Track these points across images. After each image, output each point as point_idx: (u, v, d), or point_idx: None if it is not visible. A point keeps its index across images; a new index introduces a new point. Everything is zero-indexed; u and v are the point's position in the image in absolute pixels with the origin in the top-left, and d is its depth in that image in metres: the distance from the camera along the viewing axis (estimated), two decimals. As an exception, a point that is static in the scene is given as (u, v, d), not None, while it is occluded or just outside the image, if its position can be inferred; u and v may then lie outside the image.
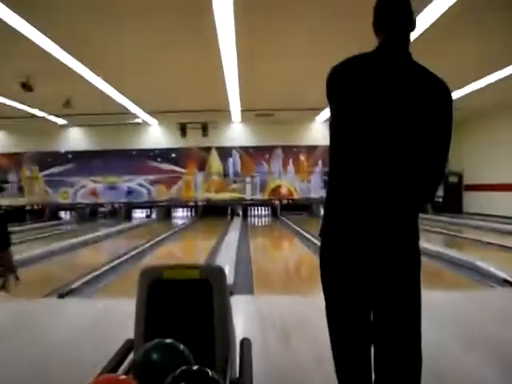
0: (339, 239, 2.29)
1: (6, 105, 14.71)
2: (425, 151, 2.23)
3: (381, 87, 2.22)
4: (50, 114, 16.76)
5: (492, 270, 6.94)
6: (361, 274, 2.28)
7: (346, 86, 2.27)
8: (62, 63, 10.37)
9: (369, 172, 2.22)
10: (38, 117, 16.77)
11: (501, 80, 12.43)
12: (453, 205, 19.48)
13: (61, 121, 18.13)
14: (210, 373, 1.99)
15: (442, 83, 2.26)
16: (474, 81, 12.97)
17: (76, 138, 20.21)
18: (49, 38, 8.92)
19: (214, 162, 20.38)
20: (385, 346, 2.32)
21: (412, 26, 2.31)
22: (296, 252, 11.24)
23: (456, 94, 14.57)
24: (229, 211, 20.43)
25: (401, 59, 2.27)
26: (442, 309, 5.32)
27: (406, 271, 2.28)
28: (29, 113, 16.03)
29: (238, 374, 2.37)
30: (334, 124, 2.34)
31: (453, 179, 19.87)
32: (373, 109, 2.21)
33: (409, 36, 2.30)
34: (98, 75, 11.10)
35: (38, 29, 8.43)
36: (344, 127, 2.29)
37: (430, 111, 2.21)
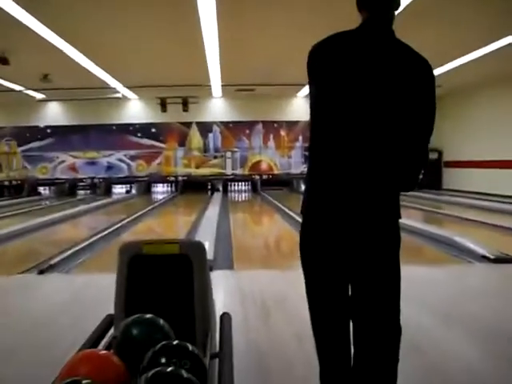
0: (320, 217, 2.28)
1: (-19, 78, 14.49)
2: (407, 130, 2.22)
3: (363, 65, 2.17)
4: (28, 88, 16.52)
5: (470, 245, 7.01)
6: (340, 249, 2.28)
7: (328, 63, 2.23)
8: (39, 36, 10.18)
9: (350, 150, 2.20)
10: (15, 91, 16.51)
11: (481, 58, 12.45)
12: (432, 181, 19.60)
13: (39, 95, 17.88)
14: (190, 347, 2.00)
15: (424, 62, 2.24)
16: (454, 58, 12.98)
17: (55, 113, 19.95)
18: (25, 10, 8.74)
19: (195, 137, 20.29)
20: (363, 321, 2.34)
21: (396, 4, 2.26)
22: (276, 227, 11.27)
23: (436, 72, 14.55)
24: (209, 186, 20.41)
25: (384, 37, 2.23)
26: (420, 284, 5.37)
27: (385, 248, 2.29)
28: (6, 87, 15.77)
29: (218, 349, 2.38)
30: (314, 101, 2.31)
31: (432, 156, 19.97)
32: (354, 86, 2.17)
33: (393, 14, 2.26)
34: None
35: (13, 0, 8.26)
36: (325, 105, 2.26)
37: (413, 90, 2.19)
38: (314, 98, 2.32)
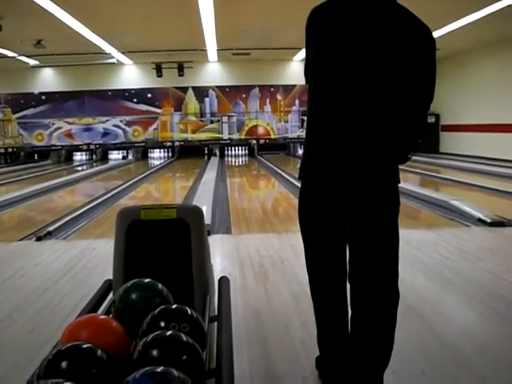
0: (318, 181, 2.31)
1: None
2: (406, 95, 2.21)
3: (361, 29, 2.15)
4: (21, 54, 16.34)
5: (467, 209, 7.03)
6: (338, 212, 2.32)
7: (326, 26, 2.22)
8: (31, 0, 10.03)
9: (348, 115, 2.20)
10: (8, 57, 16.33)
11: (479, 20, 12.31)
12: (430, 145, 19.58)
13: (33, 61, 17.70)
14: (189, 311, 2.01)
15: (424, 27, 2.22)
16: (452, 21, 12.84)
17: (49, 79, 19.76)
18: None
19: (191, 101, 20.17)
20: (361, 285, 2.37)
21: None
22: (273, 191, 11.29)
23: (434, 34, 14.44)
24: (206, 151, 20.37)
25: (383, 1, 2.19)
26: (417, 247, 5.40)
27: (382, 211, 2.31)
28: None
29: (216, 312, 2.40)
30: (312, 65, 2.30)
31: (430, 119, 19.92)
32: (352, 50, 2.16)
33: None
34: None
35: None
36: (322, 68, 2.25)
37: (411, 54, 2.17)
38: (311, 61, 2.31)
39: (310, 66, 2.32)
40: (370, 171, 2.23)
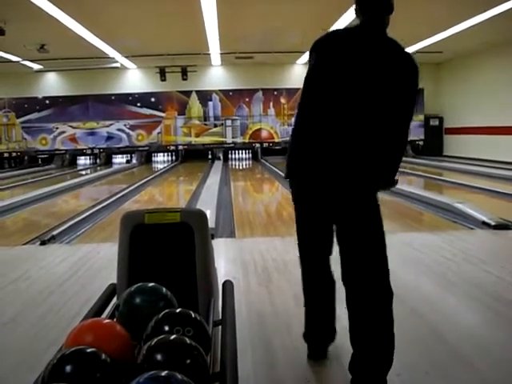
0: (303, 182, 2.59)
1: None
2: (389, 115, 2.51)
3: (355, 58, 2.49)
4: (25, 58, 16.38)
5: (471, 212, 7.01)
6: (321, 211, 2.61)
7: (327, 53, 2.58)
8: (35, 5, 10.03)
9: (336, 126, 2.47)
10: (12, 62, 16.38)
11: (483, 22, 12.29)
12: (433, 147, 19.58)
13: (36, 66, 17.74)
14: (193, 315, 2.01)
15: (410, 60, 2.50)
16: (456, 23, 12.83)
17: (53, 84, 19.80)
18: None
19: (194, 105, 20.17)
20: (352, 284, 2.52)
21: (389, 11, 2.56)
22: (277, 195, 11.29)
23: (437, 37, 14.46)
24: (209, 155, 20.39)
25: (376, 38, 2.52)
26: (420, 250, 5.40)
27: (361, 214, 2.51)
28: (2, 58, 15.63)
29: (220, 316, 2.40)
30: (310, 80, 2.64)
31: (433, 122, 19.91)
32: (346, 75, 2.49)
33: (386, 18, 2.56)
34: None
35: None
36: (319, 85, 2.57)
37: (395, 82, 2.47)
38: (311, 78, 2.64)
39: (308, 81, 2.65)
40: (349, 177, 2.46)
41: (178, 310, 2.05)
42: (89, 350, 1.70)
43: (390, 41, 2.52)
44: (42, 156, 20.24)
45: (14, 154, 19.93)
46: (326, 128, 2.49)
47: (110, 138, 20.10)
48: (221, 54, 17.10)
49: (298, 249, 2.82)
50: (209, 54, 17.13)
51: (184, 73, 19.05)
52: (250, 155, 20.48)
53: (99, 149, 20.14)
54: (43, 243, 6.07)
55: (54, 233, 6.49)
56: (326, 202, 2.53)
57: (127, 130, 20.10)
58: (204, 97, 20.11)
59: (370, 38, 2.53)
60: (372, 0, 2.55)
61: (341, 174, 2.45)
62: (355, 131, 2.45)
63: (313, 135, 2.52)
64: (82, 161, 20.60)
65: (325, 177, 2.47)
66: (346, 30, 2.67)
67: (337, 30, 2.68)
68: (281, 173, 13.85)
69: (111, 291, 2.64)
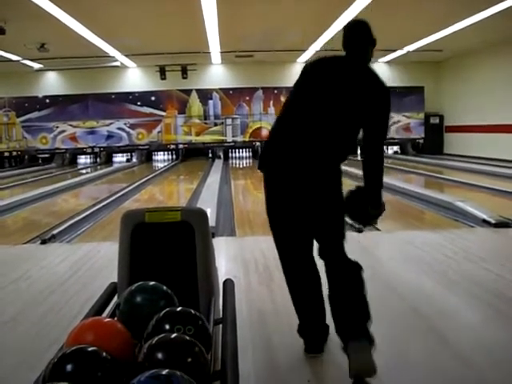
0: (275, 174, 2.95)
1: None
2: (365, 132, 2.89)
3: (336, 81, 2.92)
4: (25, 58, 16.37)
5: (472, 210, 7.01)
6: (291, 202, 2.92)
7: (315, 76, 3.02)
8: (35, 4, 10.02)
9: (311, 131, 2.87)
10: (12, 61, 16.37)
11: (483, 21, 12.28)
12: (434, 146, 19.57)
13: (36, 65, 17.73)
14: (194, 313, 2.01)
15: (383, 88, 2.89)
16: (456, 22, 12.81)
17: (53, 83, 19.78)
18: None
19: (194, 104, 20.16)
20: (326, 261, 2.93)
21: (371, 45, 2.98)
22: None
23: (437, 36, 14.46)
24: (210, 154, 20.39)
25: (356, 67, 2.93)
26: (421, 248, 5.40)
27: (328, 205, 2.89)
28: (2, 57, 15.61)
29: (221, 315, 2.40)
30: (298, 90, 3.06)
31: (434, 120, 19.90)
32: (327, 94, 2.89)
33: (369, 51, 2.98)
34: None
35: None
36: (305, 97, 2.99)
37: (367, 106, 2.85)
38: (296, 93, 3.07)
39: (296, 92, 3.07)
40: (314, 175, 2.85)
41: (178, 309, 2.05)
42: (90, 349, 1.71)
43: (368, 70, 2.93)
44: (43, 155, 20.23)
45: (14, 153, 19.91)
46: (301, 130, 2.89)
47: (110, 136, 20.08)
48: (221, 52, 17.08)
49: (276, 243, 3.09)
50: (209, 53, 17.12)
51: (184, 71, 19.05)
52: (251, 154, 20.46)
53: (99, 148, 20.13)
54: (44, 242, 6.08)
55: (55, 232, 6.49)
56: (294, 190, 2.88)
57: (127, 129, 20.08)
58: (204, 95, 20.09)
59: (352, 66, 2.95)
60: (354, 37, 2.98)
61: (305, 166, 2.84)
62: (324, 137, 2.86)
63: (290, 134, 2.93)
64: (83, 160, 20.58)
65: (293, 168, 2.86)
66: (335, 57, 3.03)
67: (327, 56, 3.05)
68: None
69: (112, 290, 2.64)
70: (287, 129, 2.96)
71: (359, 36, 2.98)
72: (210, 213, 6.89)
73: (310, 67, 3.08)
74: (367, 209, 2.98)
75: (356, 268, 2.86)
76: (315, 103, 2.91)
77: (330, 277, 2.89)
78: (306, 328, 3.04)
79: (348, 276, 2.86)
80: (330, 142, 2.88)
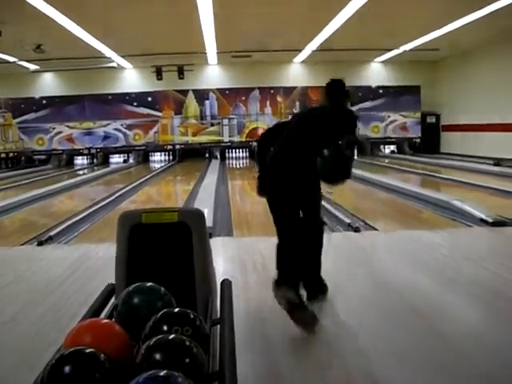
0: (270, 182, 3.88)
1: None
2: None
3: (315, 118, 3.91)
4: (21, 59, 16.34)
5: (469, 209, 7.01)
6: (284, 191, 3.82)
7: (303, 114, 4.44)
8: (31, 6, 10.02)
9: (294, 149, 3.81)
10: (8, 62, 16.34)
11: (481, 19, 12.28)
12: (430, 145, 19.59)
13: (33, 66, 17.71)
14: (192, 314, 2.01)
15: (348, 113, 3.90)
16: (453, 20, 12.82)
17: (50, 84, 19.78)
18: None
19: (191, 104, 20.15)
20: (304, 222, 3.92)
21: (345, 98, 3.97)
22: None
23: (434, 34, 14.47)
24: (206, 154, 20.39)
25: (333, 112, 3.86)
26: (419, 248, 5.41)
27: (308, 193, 3.91)
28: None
29: (218, 315, 2.40)
30: (292, 123, 4.05)
31: (430, 119, 19.92)
32: (306, 124, 3.90)
33: (343, 102, 3.95)
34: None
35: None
36: (295, 126, 3.96)
37: (338, 131, 3.72)
38: (292, 122, 4.08)
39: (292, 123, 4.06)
40: (292, 179, 3.78)
41: (176, 310, 2.05)
42: (87, 351, 1.70)
43: (343, 108, 3.91)
44: (39, 156, 20.19)
45: (10, 155, 19.90)
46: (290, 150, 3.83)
47: (106, 137, 20.07)
48: (217, 52, 17.09)
49: (273, 215, 3.94)
50: (205, 53, 17.13)
51: (180, 72, 19.04)
52: (247, 154, 20.46)
53: (96, 149, 20.11)
54: (41, 244, 6.07)
55: (52, 233, 6.48)
56: (281, 185, 3.82)
57: (124, 130, 20.07)
58: (201, 96, 20.09)
59: (329, 112, 3.88)
60: (334, 94, 3.94)
61: (288, 172, 3.78)
62: (301, 154, 3.76)
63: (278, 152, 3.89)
64: (79, 161, 20.58)
65: (280, 172, 3.82)
66: (321, 106, 4.20)
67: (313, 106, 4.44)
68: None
69: (109, 291, 2.64)
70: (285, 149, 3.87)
71: (337, 92, 3.95)
72: (207, 213, 6.88)
73: (301, 112, 4.45)
74: (342, 168, 3.73)
75: (321, 224, 4.01)
76: (299, 131, 3.86)
77: (306, 229, 3.89)
78: (285, 271, 3.75)
79: (315, 229, 3.95)
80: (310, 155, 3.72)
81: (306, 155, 3.73)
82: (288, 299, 3.42)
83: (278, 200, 3.88)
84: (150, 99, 19.96)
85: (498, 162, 13.74)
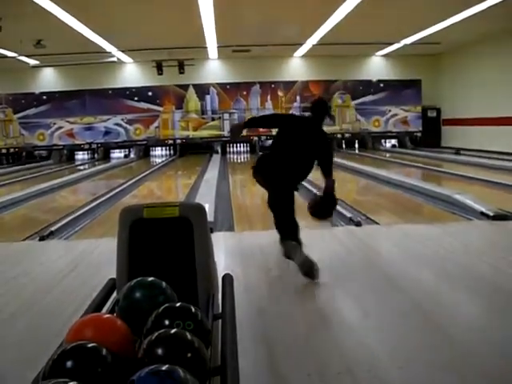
0: (265, 172, 4.85)
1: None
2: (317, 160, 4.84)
3: (300, 131, 4.87)
4: (21, 54, 16.31)
5: (470, 203, 7.01)
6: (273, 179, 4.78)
7: (289, 125, 5.01)
8: (31, 0, 10.02)
9: (285, 157, 4.78)
10: (8, 57, 16.31)
11: (481, 13, 12.26)
12: (431, 139, 19.58)
13: (33, 61, 17.68)
14: (193, 309, 2.01)
15: (325, 137, 5.03)
16: (453, 14, 12.80)
17: (50, 79, 19.77)
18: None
19: (192, 99, 20.14)
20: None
21: (326, 114, 4.96)
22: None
23: (434, 28, 14.44)
24: (207, 149, 20.37)
25: (313, 125, 4.90)
26: (420, 242, 5.41)
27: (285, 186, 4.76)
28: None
29: (220, 310, 2.40)
30: (278, 132, 5.09)
31: (431, 113, 19.90)
32: (294, 137, 4.84)
33: (324, 118, 4.95)
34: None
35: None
36: (282, 137, 5.02)
37: (316, 147, 4.81)
38: (279, 132, 5.10)
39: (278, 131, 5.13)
40: (284, 179, 4.72)
41: (177, 304, 2.05)
42: (89, 346, 1.71)
43: (319, 128, 4.90)
44: (40, 151, 20.19)
45: (11, 150, 19.90)
46: (281, 157, 4.80)
47: (107, 132, 20.07)
48: (218, 47, 17.07)
49: (270, 202, 4.83)
50: (206, 48, 17.11)
51: (181, 66, 19.01)
52: (248, 148, 20.45)
53: (97, 144, 20.11)
54: (42, 239, 6.07)
55: (53, 228, 6.49)
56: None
57: (125, 125, 20.07)
58: (201, 90, 20.08)
59: (311, 124, 4.93)
60: (317, 110, 4.93)
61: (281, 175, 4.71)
62: (292, 163, 4.72)
63: (276, 158, 4.86)
64: (80, 156, 20.60)
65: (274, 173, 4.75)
66: (303, 116, 5.78)
67: (296, 116, 6.36)
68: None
69: (111, 286, 2.64)
70: (274, 155, 4.92)
71: (320, 110, 4.94)
72: (209, 208, 6.88)
73: (286, 118, 5.74)
74: (330, 208, 4.84)
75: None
76: (289, 144, 4.82)
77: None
78: (284, 231, 4.59)
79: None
80: (296, 165, 4.75)
81: (300, 163, 4.78)
82: (292, 249, 4.27)
83: (271, 177, 4.77)
84: (150, 94, 19.95)
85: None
